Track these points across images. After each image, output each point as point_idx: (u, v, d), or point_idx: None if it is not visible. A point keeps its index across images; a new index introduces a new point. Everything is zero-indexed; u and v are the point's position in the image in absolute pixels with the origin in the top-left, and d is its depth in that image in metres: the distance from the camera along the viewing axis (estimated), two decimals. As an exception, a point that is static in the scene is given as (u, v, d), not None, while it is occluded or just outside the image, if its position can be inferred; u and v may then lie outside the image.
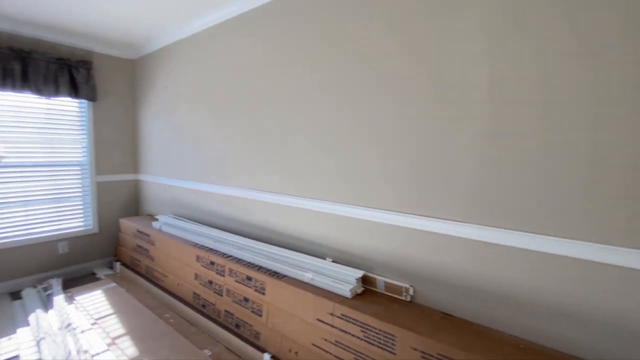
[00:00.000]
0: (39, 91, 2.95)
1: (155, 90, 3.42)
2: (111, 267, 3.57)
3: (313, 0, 2.03)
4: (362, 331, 1.54)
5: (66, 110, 3.27)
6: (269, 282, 1.98)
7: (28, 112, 3.03)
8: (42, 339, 2.18)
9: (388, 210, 1.76)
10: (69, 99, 3.21)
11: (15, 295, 2.93)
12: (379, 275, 1.82)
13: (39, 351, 2.10)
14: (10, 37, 2.85)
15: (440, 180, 1.58)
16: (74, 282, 3.21)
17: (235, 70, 2.56)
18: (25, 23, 2.81)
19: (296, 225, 2.24)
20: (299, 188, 2.19)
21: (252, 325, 2.04)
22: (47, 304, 2.69)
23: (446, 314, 1.59)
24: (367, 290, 1.81)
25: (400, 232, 1.74)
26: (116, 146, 3.62)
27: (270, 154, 2.35)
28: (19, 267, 3.04)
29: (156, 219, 3.24)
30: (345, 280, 1.81)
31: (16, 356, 2.09)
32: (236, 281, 2.15)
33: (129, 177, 3.75)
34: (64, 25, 2.87)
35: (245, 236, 2.58)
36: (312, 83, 2.06)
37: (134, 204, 3.82)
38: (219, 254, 2.36)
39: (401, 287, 1.72)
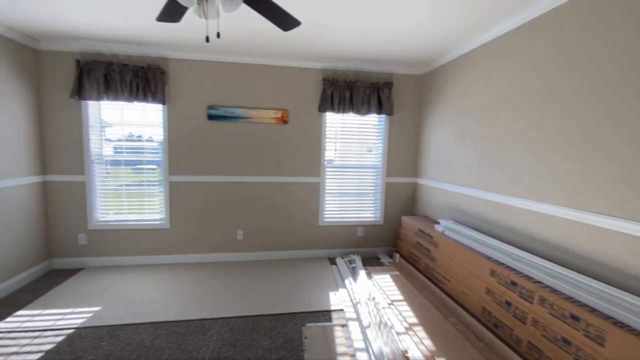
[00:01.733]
0: (358, 111, 3.86)
1: (441, 101, 3.61)
2: (391, 256, 4.17)
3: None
4: None
5: (371, 124, 4.09)
6: (615, 334, 1.53)
7: (349, 127, 4.04)
8: (357, 302, 2.82)
9: None
10: (375, 115, 3.99)
11: (332, 261, 4.01)
12: None
13: (356, 312, 2.72)
14: (344, 72, 3.90)
15: None
16: (366, 261, 3.99)
17: (531, 78, 2.19)
18: (353, 60, 3.73)
19: (656, 266, 1.61)
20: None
21: (574, 375, 1.67)
22: (353, 275, 3.48)
23: None
24: None
25: None
26: (402, 152, 4.15)
27: (582, 166, 1.82)
28: (333, 241, 4.14)
29: (437, 222, 3.43)
30: None
31: (342, 309, 2.81)
32: (552, 315, 1.84)
33: (409, 179, 4.21)
34: (378, 57, 3.58)
35: (542, 257, 2.18)
36: None
37: (410, 204, 4.26)
38: (522, 276, 2.12)
39: None
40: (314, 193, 4.02)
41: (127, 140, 3.67)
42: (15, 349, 2.17)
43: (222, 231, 3.90)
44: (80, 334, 2.37)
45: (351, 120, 4.03)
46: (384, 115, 4.05)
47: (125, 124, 3.64)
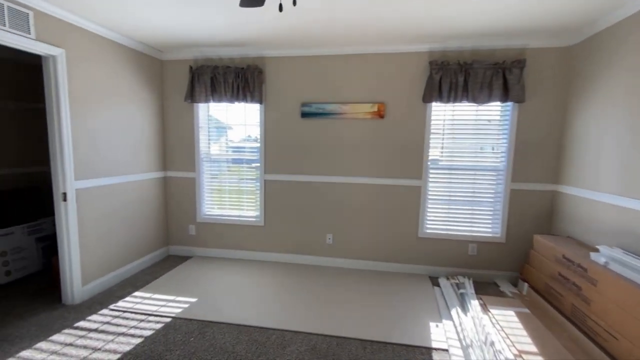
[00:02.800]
0: (474, 99, 3.11)
1: (607, 79, 2.56)
2: (515, 285, 3.26)
3: None
4: None
5: (490, 116, 3.27)
6: None
7: (461, 120, 3.32)
8: (468, 346, 2.18)
9: None
10: (497, 103, 3.16)
11: (433, 280, 3.37)
12: None
13: (465, 357, 2.10)
14: (458, 53, 3.20)
15: None
16: (480, 287, 3.21)
17: None
18: (469, 36, 3.00)
19: None
20: None
21: None
22: (462, 303, 2.80)
23: None
24: None
25: None
26: (535, 151, 3.18)
27: None
28: (436, 256, 3.48)
29: (594, 249, 2.45)
30: None
31: (446, 349, 2.22)
32: None
33: (545, 186, 3.20)
34: (504, 28, 2.77)
35: None
36: None
37: (546, 219, 3.24)
38: None
39: None
40: (414, 198, 3.45)
41: (229, 140, 3.85)
42: (123, 330, 2.40)
43: (311, 233, 3.73)
44: (175, 324, 2.48)
45: (464, 111, 3.30)
46: (510, 103, 3.17)
47: (228, 125, 3.82)
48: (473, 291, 2.97)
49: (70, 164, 2.71)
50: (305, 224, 3.72)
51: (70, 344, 2.21)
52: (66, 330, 2.37)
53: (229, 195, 3.91)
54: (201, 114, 3.83)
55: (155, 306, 2.73)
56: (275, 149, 3.69)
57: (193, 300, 2.86)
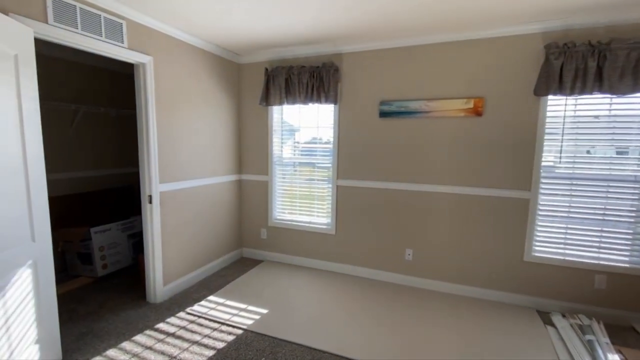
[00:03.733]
0: (612, 89, 2.40)
1: None
2: (669, 336, 2.44)
3: None
4: None
5: (633, 110, 2.50)
6: None
7: (588, 116, 2.61)
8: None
9: None
10: (647, 93, 2.40)
11: (544, 316, 2.72)
12: None
13: None
14: (587, 31, 2.51)
15: None
16: (613, 332, 2.48)
17: None
18: (604, 7, 2.31)
19: None
20: None
21: None
22: (592, 353, 2.15)
23: None
24: None
25: None
26: None
27: None
28: (548, 287, 2.81)
29: None
30: None
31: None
32: None
33: None
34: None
35: None
36: None
37: None
38: None
39: None
40: (519, 213, 2.84)
41: (302, 143, 3.70)
42: (198, 338, 2.35)
43: (388, 247, 3.35)
44: (247, 338, 2.36)
45: (593, 105, 2.59)
46: (668, 93, 2.38)
47: (300, 127, 3.67)
48: (607, 339, 2.28)
49: (156, 167, 2.81)
50: (381, 235, 3.37)
51: (150, 348, 2.23)
52: (147, 332, 2.42)
53: (300, 201, 3.76)
54: (275, 117, 3.74)
55: (228, 314, 2.67)
56: (349, 153, 3.41)
57: (264, 311, 2.73)
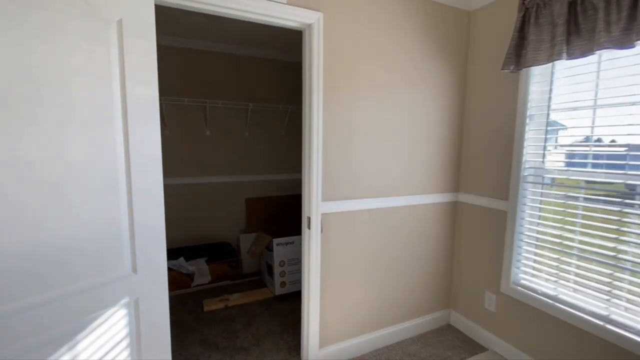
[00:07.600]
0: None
1: None
2: None
3: None
4: None
5: None
6: None
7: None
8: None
9: None
10: None
11: None
12: None
13: None
14: None
15: None
16: None
17: None
18: None
19: None
20: None
21: None
22: None
23: None
24: None
25: None
26: None
27: None
28: None
29: None
30: None
31: None
32: None
33: None
34: None
35: None
36: None
37: None
38: None
39: None
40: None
41: (597, 141, 1.71)
42: None
43: None
44: None
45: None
46: None
47: (598, 106, 1.70)
48: None
49: (318, 177, 1.91)
50: None
51: None
52: None
53: (578, 262, 1.78)
54: (534, 90, 1.96)
55: None
56: None
57: None
